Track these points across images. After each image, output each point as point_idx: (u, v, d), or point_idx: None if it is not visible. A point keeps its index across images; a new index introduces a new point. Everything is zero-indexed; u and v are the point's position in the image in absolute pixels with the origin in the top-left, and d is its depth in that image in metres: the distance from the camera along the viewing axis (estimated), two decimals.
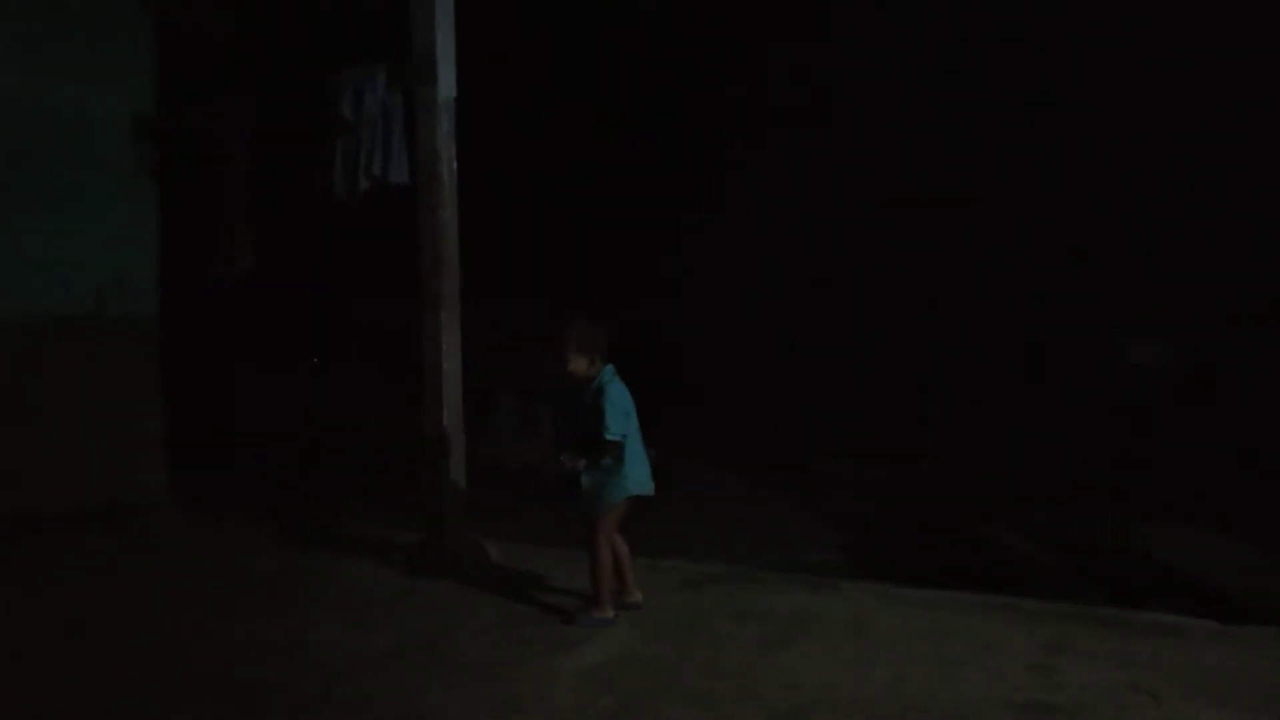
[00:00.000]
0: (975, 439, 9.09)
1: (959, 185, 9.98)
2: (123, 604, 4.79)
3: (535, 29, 9.54)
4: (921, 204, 10.27)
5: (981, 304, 10.02)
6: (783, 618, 4.46)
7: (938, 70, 9.90)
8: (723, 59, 10.45)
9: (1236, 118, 8.42)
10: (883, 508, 8.03)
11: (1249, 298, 8.61)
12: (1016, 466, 8.33)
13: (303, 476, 8.20)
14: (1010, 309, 9.90)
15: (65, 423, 6.50)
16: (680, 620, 4.44)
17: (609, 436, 4.21)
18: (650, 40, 10.24)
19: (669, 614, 4.53)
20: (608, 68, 10.32)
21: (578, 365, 4.29)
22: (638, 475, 4.35)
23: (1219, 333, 9.04)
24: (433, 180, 5.41)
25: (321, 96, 5.73)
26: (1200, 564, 5.92)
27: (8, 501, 6.10)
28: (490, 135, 7.06)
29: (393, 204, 5.66)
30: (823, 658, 3.98)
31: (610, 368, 4.35)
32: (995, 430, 9.17)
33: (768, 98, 10.63)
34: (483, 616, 4.56)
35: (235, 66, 7.44)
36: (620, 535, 4.51)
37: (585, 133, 10.70)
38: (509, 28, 8.52)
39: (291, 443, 9.01)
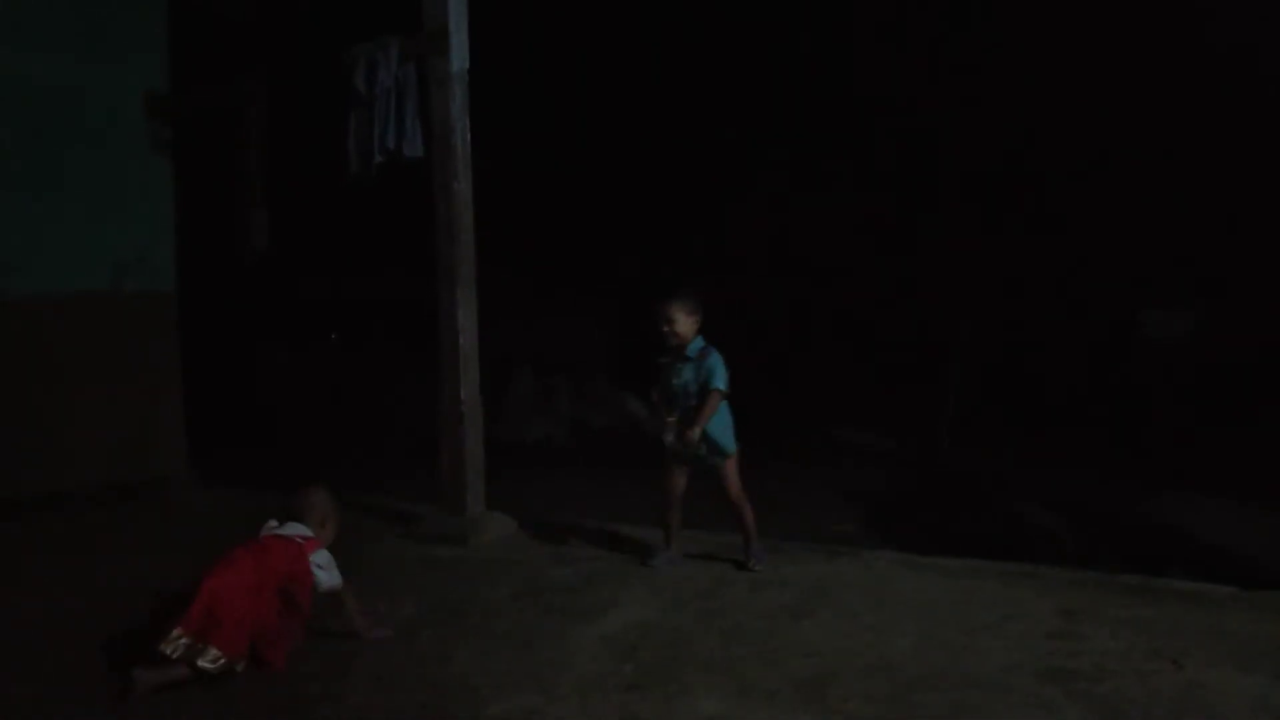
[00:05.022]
0: (994, 408, 9.06)
1: (978, 160, 9.91)
2: (143, 576, 4.83)
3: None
4: (939, 176, 10.21)
5: (1000, 275, 9.95)
6: (803, 587, 4.47)
7: (955, 56, 9.83)
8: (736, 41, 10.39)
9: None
10: (903, 478, 8.03)
11: (1266, 266, 8.52)
12: (1035, 436, 8.31)
13: (324, 451, 8.25)
14: (1028, 279, 9.84)
15: (86, 399, 6.54)
16: (700, 590, 4.46)
17: (719, 386, 4.57)
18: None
19: (689, 583, 4.56)
20: (630, 40, 10.27)
21: (685, 326, 4.64)
22: (733, 431, 4.72)
23: (1234, 302, 8.98)
24: (446, 153, 5.40)
25: (335, 71, 5.70)
26: (1220, 531, 5.90)
27: (31, 478, 6.18)
28: (508, 108, 7.04)
29: (411, 179, 5.65)
30: (843, 625, 4.00)
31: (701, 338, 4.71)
32: (1014, 400, 9.14)
33: (793, 79, 10.55)
34: (504, 586, 4.59)
35: (249, 42, 7.43)
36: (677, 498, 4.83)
37: (610, 105, 10.64)
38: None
39: (312, 417, 9.07)
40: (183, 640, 3.44)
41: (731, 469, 4.73)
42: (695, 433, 4.58)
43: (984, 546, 5.29)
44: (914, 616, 4.06)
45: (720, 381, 4.60)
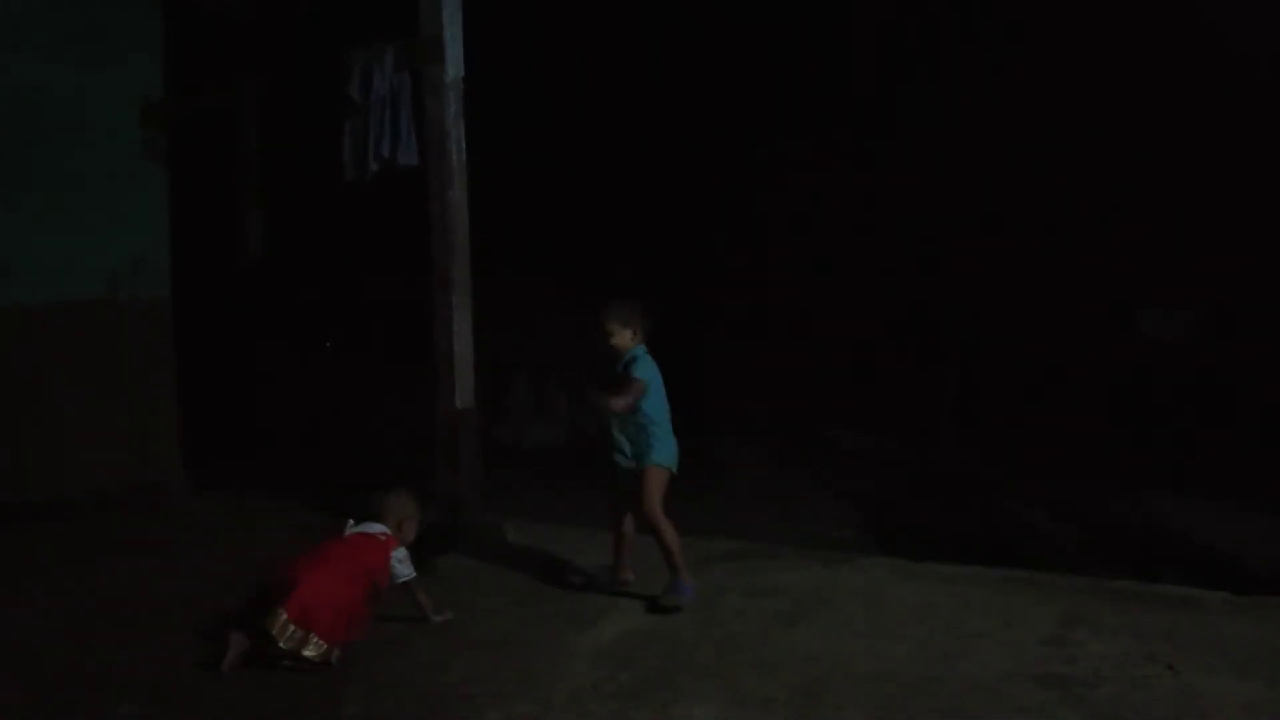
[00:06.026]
0: (992, 413, 9.06)
1: (976, 157, 9.90)
2: (141, 582, 4.85)
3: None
4: (935, 174, 10.20)
5: (997, 276, 9.96)
6: (800, 593, 4.47)
7: (953, 54, 9.84)
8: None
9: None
10: (901, 480, 8.03)
11: (1266, 265, 8.53)
12: (1033, 441, 8.31)
13: (321, 458, 8.24)
14: (1025, 281, 9.84)
15: (82, 406, 6.53)
16: (696, 597, 4.45)
17: (637, 374, 4.36)
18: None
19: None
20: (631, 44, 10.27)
21: (621, 338, 4.49)
22: (670, 449, 4.47)
23: (1232, 301, 8.98)
24: (441, 161, 5.40)
25: (331, 77, 5.70)
26: (1216, 536, 5.91)
27: (26, 485, 6.17)
28: (506, 113, 7.02)
29: (407, 185, 5.65)
30: (840, 632, 4.00)
31: (643, 346, 4.52)
32: (1012, 404, 9.14)
33: (794, 79, 10.54)
34: (501, 594, 4.60)
35: (246, 45, 7.43)
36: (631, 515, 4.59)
37: (608, 110, 10.64)
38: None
39: (309, 425, 9.06)
40: (291, 627, 3.68)
41: (652, 480, 4.39)
42: (617, 402, 4.30)
43: (982, 549, 5.28)
44: (910, 623, 4.07)
45: (639, 370, 4.37)
